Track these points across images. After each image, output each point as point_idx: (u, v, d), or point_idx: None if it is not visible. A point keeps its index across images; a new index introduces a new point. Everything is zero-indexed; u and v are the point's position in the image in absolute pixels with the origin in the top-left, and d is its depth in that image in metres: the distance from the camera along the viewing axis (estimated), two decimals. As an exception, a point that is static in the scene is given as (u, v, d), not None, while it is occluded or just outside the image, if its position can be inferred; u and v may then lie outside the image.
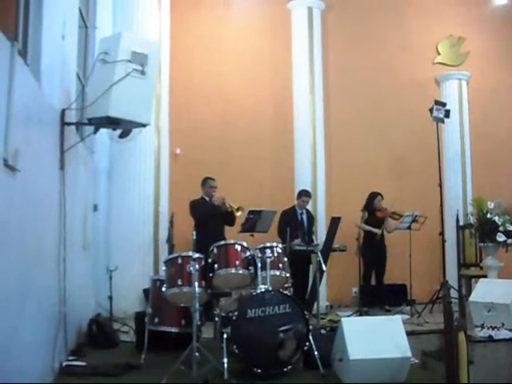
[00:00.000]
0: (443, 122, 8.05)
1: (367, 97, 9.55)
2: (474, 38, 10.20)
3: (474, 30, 10.21)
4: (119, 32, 5.06)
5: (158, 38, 7.69)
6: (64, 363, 4.68)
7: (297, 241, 7.28)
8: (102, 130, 5.53)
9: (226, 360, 4.50)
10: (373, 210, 8.18)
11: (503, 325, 6.15)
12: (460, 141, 9.86)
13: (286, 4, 9.34)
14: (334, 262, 8.11)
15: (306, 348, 4.75)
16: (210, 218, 6.99)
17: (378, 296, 8.08)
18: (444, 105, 8.04)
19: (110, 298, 6.25)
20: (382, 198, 8.29)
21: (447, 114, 7.99)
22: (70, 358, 4.93)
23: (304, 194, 8.01)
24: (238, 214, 7.03)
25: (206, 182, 7.28)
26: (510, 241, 7.56)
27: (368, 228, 8.05)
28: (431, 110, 7.87)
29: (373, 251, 8.00)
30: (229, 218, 7.21)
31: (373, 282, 8.29)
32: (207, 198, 7.21)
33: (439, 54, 10.24)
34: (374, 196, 8.28)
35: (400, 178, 9.45)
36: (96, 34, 6.86)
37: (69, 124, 4.81)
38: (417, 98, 9.23)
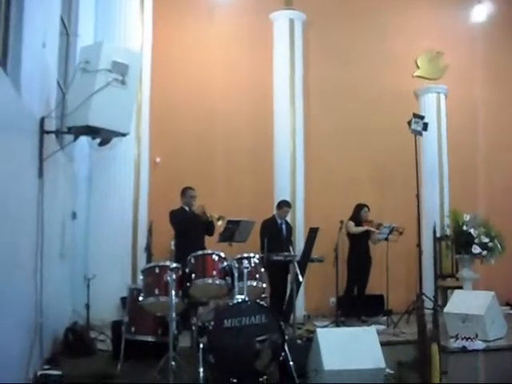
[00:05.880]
0: (421, 134, 8.15)
1: (347, 109, 9.65)
2: (452, 52, 10.37)
3: (452, 44, 10.38)
4: (100, 41, 5.09)
5: (140, 47, 7.72)
6: (39, 372, 4.64)
7: (285, 253, 7.21)
8: (82, 137, 5.53)
9: (201, 369, 4.53)
10: (359, 221, 8.29)
11: (477, 335, 6.25)
12: (438, 153, 9.99)
13: (267, 16, 9.42)
14: (312, 273, 8.16)
15: (281, 358, 4.78)
16: (190, 227, 6.97)
17: (356, 306, 8.12)
18: (422, 118, 8.14)
19: (88, 306, 6.24)
20: (369, 209, 8.40)
21: (425, 126, 8.09)
22: (45, 366, 4.89)
23: (285, 205, 8.05)
24: (219, 223, 7.00)
25: (186, 191, 7.28)
26: (484, 253, 7.68)
27: (362, 229, 8.15)
28: (410, 123, 7.96)
29: (358, 262, 8.13)
30: (208, 227, 7.21)
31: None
32: (187, 208, 7.21)
33: (418, 67, 10.39)
34: (360, 207, 8.38)
35: (379, 189, 9.56)
36: (78, 41, 6.87)
37: (48, 132, 4.80)
38: (396, 111, 9.32)
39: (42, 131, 4.70)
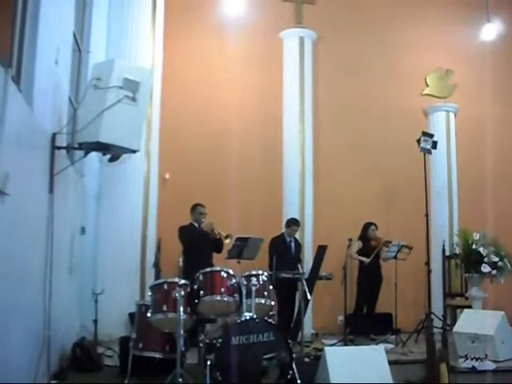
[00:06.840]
0: (430, 153, 8.15)
1: (356, 127, 9.69)
2: (461, 70, 10.41)
3: (462, 63, 10.42)
4: (112, 59, 5.15)
5: (151, 64, 7.77)
6: (46, 387, 4.65)
7: (294, 271, 7.16)
8: (92, 153, 5.58)
9: (208, 387, 4.51)
10: (367, 240, 8.30)
11: (486, 356, 6.18)
12: (447, 172, 9.99)
13: (277, 33, 9.50)
14: (321, 290, 8.14)
15: (289, 376, 4.75)
16: (198, 244, 6.99)
17: (364, 324, 8.08)
18: (431, 136, 8.15)
19: (95, 321, 6.23)
20: (377, 227, 8.40)
21: (434, 145, 8.10)
22: (53, 381, 4.88)
23: (293, 223, 8.04)
24: (227, 241, 7.02)
25: (196, 208, 7.30)
26: (494, 272, 7.63)
27: (357, 257, 8.18)
28: (419, 141, 7.97)
29: (369, 281, 8.12)
30: (217, 244, 7.21)
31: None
32: (196, 225, 7.23)
33: (428, 85, 10.42)
34: (367, 226, 8.40)
35: (388, 207, 9.54)
36: (89, 58, 6.94)
37: (59, 148, 4.85)
38: (405, 129, 9.35)
39: (53, 147, 4.75)
